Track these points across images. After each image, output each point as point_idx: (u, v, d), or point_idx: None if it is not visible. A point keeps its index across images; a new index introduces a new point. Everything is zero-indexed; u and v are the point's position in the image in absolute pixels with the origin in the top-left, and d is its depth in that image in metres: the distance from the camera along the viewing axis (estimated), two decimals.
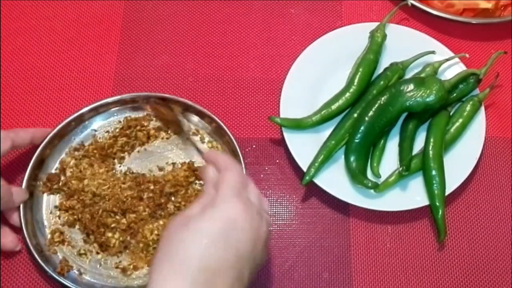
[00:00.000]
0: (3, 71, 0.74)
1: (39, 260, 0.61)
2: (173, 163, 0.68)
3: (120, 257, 0.64)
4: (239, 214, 0.48)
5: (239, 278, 0.47)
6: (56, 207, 0.66)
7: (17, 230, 0.63)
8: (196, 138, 0.69)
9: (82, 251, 0.64)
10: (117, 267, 0.63)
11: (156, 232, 0.64)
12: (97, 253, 0.64)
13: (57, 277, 0.61)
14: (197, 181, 0.67)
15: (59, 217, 0.65)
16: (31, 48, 0.76)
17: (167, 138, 0.70)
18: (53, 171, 0.68)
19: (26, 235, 0.62)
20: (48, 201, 0.66)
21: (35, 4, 0.79)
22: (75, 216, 0.65)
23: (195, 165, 0.68)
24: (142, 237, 0.63)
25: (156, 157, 0.69)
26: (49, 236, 0.64)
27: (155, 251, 0.50)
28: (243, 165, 0.65)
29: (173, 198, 0.66)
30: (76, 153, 0.68)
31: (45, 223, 0.65)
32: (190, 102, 0.69)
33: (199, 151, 0.64)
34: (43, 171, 0.67)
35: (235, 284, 0.46)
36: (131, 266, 0.63)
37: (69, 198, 0.66)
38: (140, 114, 0.71)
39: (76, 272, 0.62)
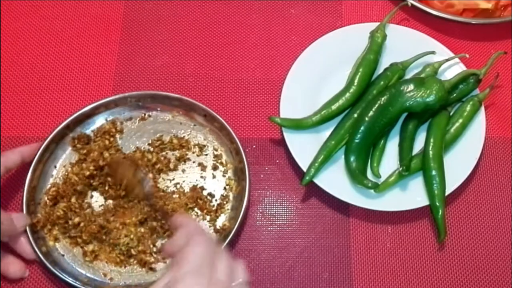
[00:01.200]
0: (3, 71, 0.74)
1: (24, 201, 0.63)
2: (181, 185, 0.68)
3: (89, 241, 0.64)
4: None
5: None
6: (71, 164, 0.67)
7: (22, 257, 0.63)
8: (159, 202, 0.65)
9: (61, 215, 0.64)
10: (81, 247, 0.63)
11: (131, 236, 0.63)
12: (69, 227, 0.64)
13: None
14: (195, 209, 0.66)
15: (67, 174, 0.66)
16: (31, 48, 0.76)
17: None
18: (88, 131, 0.69)
19: (30, 172, 0.64)
20: (69, 155, 0.68)
21: (35, 4, 0.79)
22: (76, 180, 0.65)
23: (203, 192, 0.67)
24: (116, 235, 0.63)
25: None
26: (48, 186, 0.66)
27: None
28: (246, 165, 0.65)
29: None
30: (118, 124, 0.70)
31: (54, 172, 0.67)
32: (195, 102, 0.69)
33: (164, 213, 0.63)
34: (82, 126, 0.69)
35: None
36: (93, 254, 0.63)
37: (83, 163, 0.66)
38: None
39: (45, 231, 0.63)
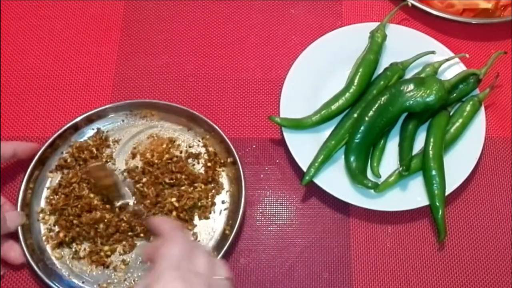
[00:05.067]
0: (3, 71, 0.74)
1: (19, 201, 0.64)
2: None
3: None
4: None
5: None
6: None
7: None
8: (133, 201, 0.66)
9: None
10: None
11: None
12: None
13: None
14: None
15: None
16: (31, 48, 0.76)
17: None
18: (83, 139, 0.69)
19: (26, 176, 0.65)
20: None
21: (35, 4, 0.79)
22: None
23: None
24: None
25: None
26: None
27: None
28: (241, 168, 0.65)
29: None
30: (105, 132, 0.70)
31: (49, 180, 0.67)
32: (185, 108, 0.69)
33: (139, 215, 0.64)
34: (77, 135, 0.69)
35: None
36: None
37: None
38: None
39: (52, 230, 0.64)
